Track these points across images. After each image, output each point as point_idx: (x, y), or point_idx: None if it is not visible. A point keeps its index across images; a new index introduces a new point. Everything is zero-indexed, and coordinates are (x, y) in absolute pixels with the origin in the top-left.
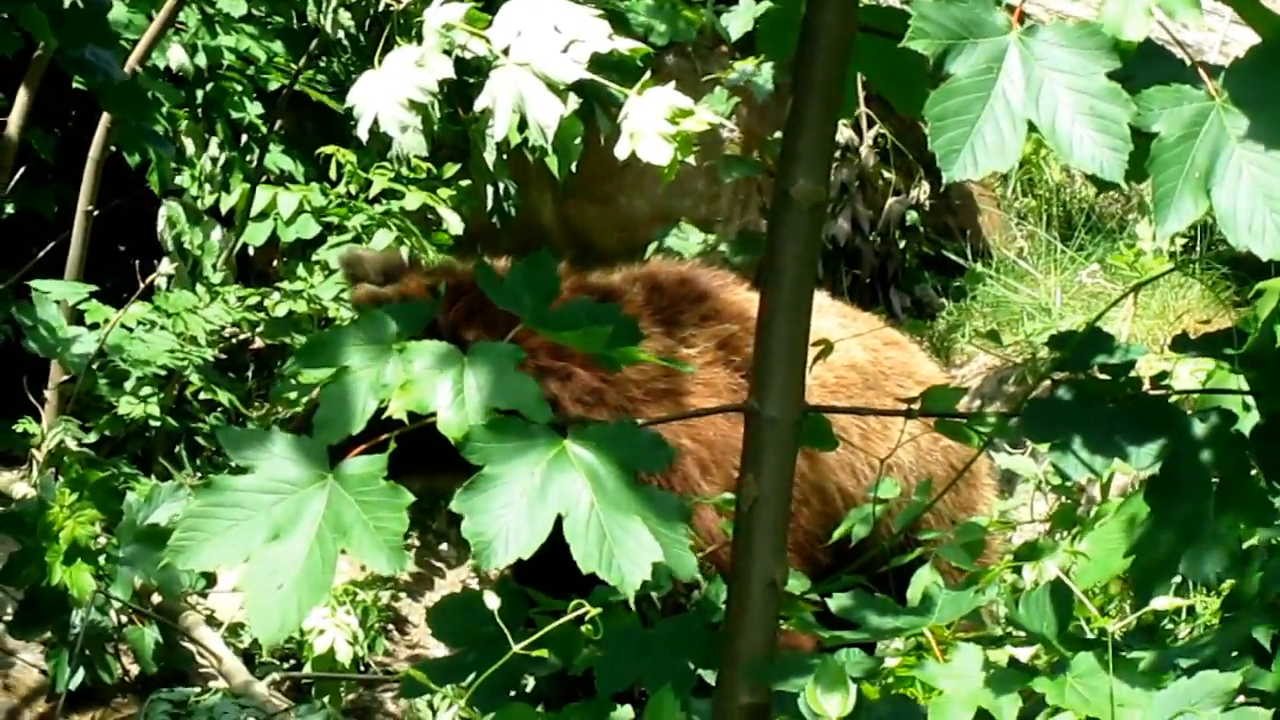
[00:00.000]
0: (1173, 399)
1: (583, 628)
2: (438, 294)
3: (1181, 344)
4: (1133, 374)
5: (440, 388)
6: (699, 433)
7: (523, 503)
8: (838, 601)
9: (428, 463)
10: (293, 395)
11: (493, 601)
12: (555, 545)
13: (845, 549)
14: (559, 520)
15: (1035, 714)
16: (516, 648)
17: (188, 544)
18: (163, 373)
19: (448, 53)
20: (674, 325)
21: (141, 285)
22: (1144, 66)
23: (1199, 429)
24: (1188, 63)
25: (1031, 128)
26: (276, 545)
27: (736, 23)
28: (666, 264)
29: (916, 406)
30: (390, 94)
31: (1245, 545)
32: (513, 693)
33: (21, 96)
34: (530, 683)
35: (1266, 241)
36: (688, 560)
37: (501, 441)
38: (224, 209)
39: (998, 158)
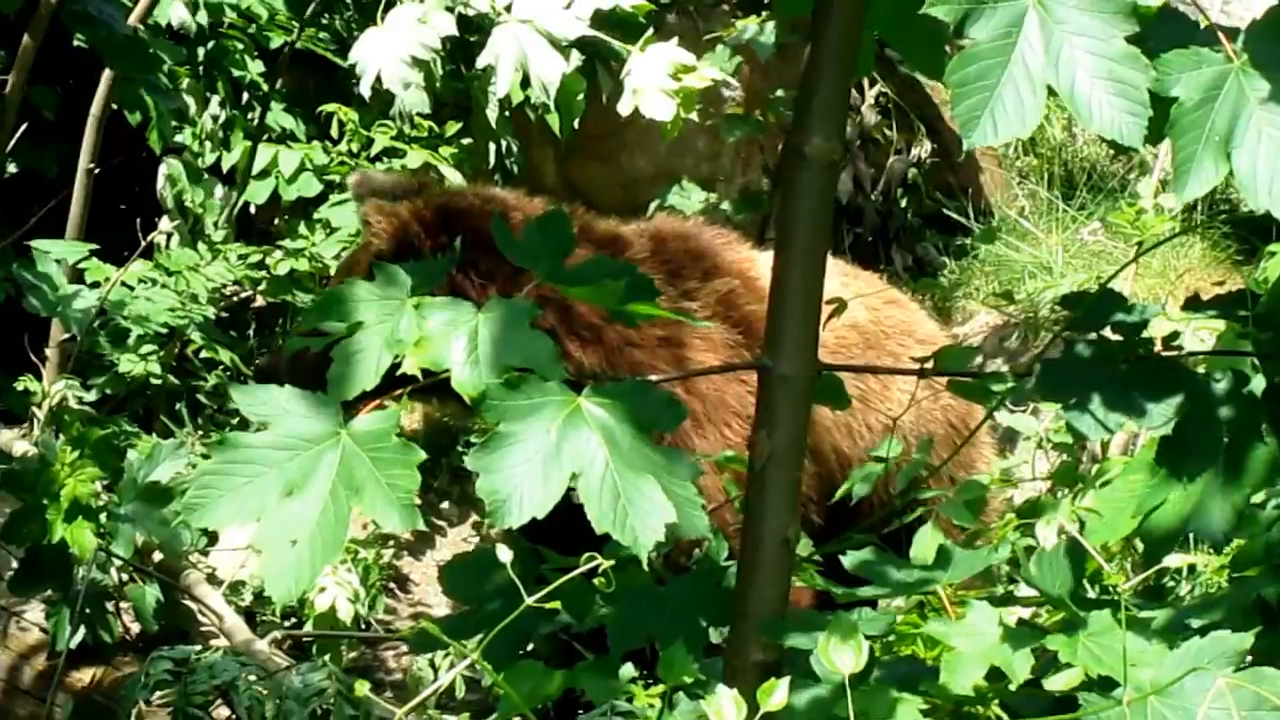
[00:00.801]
0: (1185, 359)
1: (595, 580)
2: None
3: (1193, 305)
4: (1144, 334)
5: (454, 345)
6: (693, 386)
7: (537, 461)
8: (853, 558)
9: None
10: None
11: (505, 555)
12: (565, 505)
13: (841, 509)
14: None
15: (1045, 673)
16: (530, 600)
17: (202, 502)
18: (164, 331)
19: (450, 9)
20: (676, 279)
21: (142, 243)
22: (1162, 30)
23: (1211, 390)
24: (1204, 25)
25: (1051, 93)
26: (290, 502)
27: None
28: (671, 220)
29: (928, 366)
30: (393, 51)
31: (1253, 505)
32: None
33: (23, 53)
34: (531, 646)
35: None
36: (699, 520)
37: (516, 399)
38: (225, 167)
39: (1018, 123)
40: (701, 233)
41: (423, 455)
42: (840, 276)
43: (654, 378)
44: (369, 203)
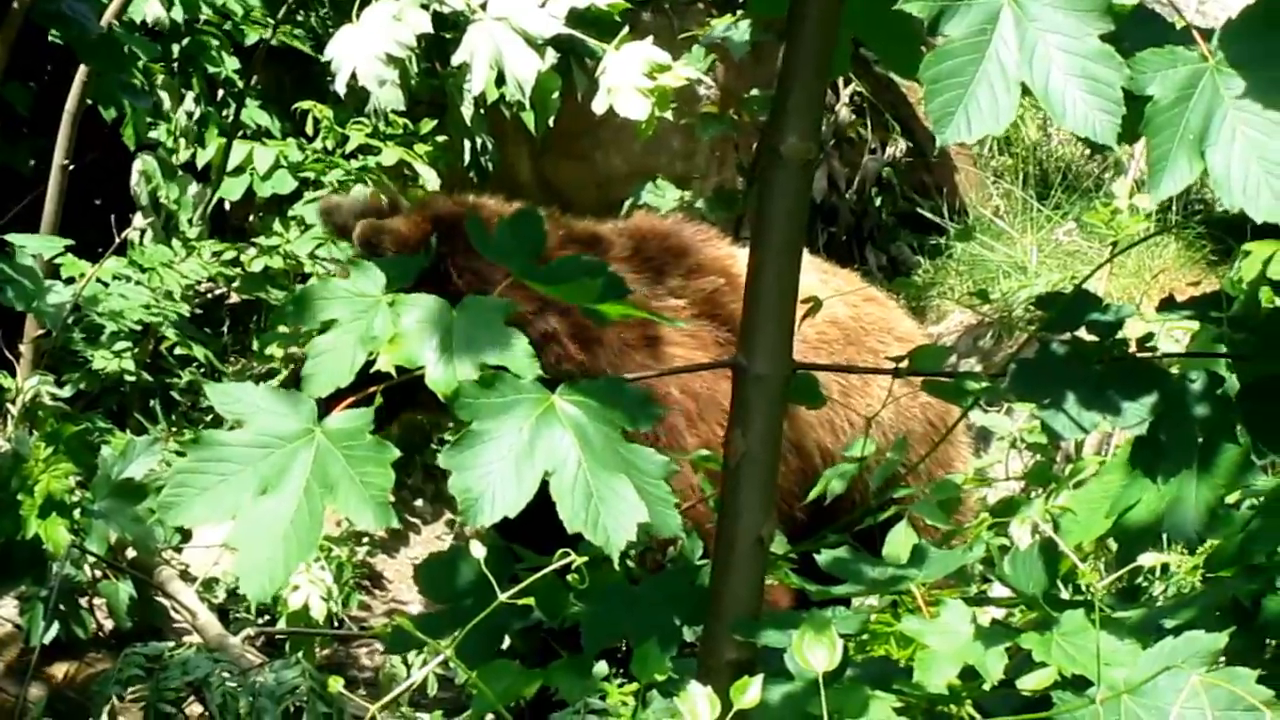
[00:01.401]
0: (1160, 359)
1: (569, 577)
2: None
3: (1168, 306)
4: (1119, 335)
5: (428, 342)
6: (686, 384)
7: (510, 459)
8: (826, 557)
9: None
10: (276, 351)
11: (478, 552)
12: (539, 502)
13: (822, 506)
14: (544, 477)
15: (1018, 672)
16: (503, 597)
17: (176, 500)
18: (138, 327)
19: (425, 7)
20: (660, 277)
21: (117, 240)
22: (1137, 28)
23: (1185, 390)
24: (1179, 24)
25: (1025, 90)
26: (265, 500)
27: None
28: (651, 218)
29: (903, 365)
30: (368, 48)
31: (1227, 505)
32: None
33: None
34: (508, 643)
35: (1261, 203)
36: (672, 519)
37: (490, 397)
38: (200, 164)
39: (991, 121)
40: (681, 230)
41: (396, 453)
42: (819, 274)
43: (632, 375)
44: (364, 224)
